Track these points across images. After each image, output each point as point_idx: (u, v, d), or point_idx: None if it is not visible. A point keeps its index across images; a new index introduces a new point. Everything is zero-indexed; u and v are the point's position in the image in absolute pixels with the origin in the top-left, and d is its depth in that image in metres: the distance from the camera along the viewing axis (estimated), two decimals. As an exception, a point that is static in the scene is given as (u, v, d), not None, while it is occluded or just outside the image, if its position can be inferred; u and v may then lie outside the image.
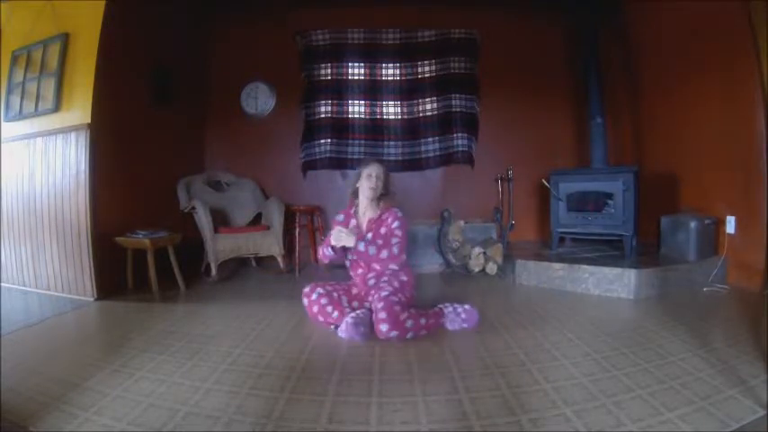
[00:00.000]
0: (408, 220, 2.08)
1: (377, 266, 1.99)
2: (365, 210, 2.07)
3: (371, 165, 2.06)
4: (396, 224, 1.98)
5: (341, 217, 2.11)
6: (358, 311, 1.84)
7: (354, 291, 2.04)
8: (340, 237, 1.87)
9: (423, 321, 1.77)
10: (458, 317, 1.87)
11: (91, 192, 2.46)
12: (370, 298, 1.91)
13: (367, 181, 2.01)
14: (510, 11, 3.72)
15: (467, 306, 1.92)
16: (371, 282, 1.98)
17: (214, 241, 2.90)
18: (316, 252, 3.60)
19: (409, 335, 1.71)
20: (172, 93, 3.29)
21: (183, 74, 3.47)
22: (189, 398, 1.25)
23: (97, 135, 2.50)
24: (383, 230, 1.99)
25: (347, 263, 2.07)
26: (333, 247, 1.92)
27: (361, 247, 1.86)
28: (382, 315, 1.69)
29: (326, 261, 2.00)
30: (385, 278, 1.92)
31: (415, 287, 2.06)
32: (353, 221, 2.07)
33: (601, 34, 3.22)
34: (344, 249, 1.95)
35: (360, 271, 2.03)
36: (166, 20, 3.24)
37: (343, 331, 1.75)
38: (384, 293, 1.78)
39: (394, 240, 1.92)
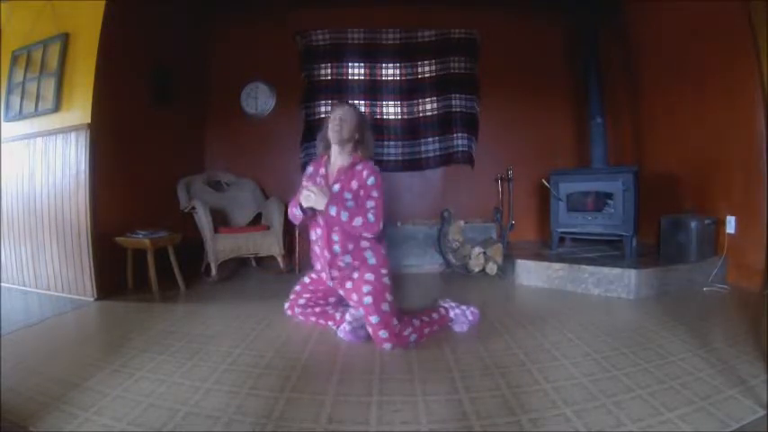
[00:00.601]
0: (385, 183, 1.83)
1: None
2: (335, 159, 1.85)
3: (337, 108, 1.84)
4: (371, 180, 1.74)
5: (310, 169, 1.91)
6: (353, 314, 1.74)
7: (321, 287, 1.92)
8: (309, 197, 1.64)
9: (426, 330, 1.73)
10: (466, 319, 1.85)
11: (91, 192, 2.46)
12: (341, 291, 1.84)
13: (331, 123, 1.80)
14: (510, 11, 3.71)
15: (472, 308, 1.90)
16: (337, 249, 1.76)
17: (214, 241, 2.90)
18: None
19: (411, 346, 1.65)
20: (172, 93, 3.29)
21: (183, 74, 3.47)
22: (189, 398, 1.25)
23: (97, 135, 2.49)
24: (354, 184, 1.75)
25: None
26: (302, 208, 1.69)
27: (333, 211, 1.63)
28: (383, 334, 1.62)
29: (297, 222, 1.81)
30: (356, 267, 1.77)
31: (387, 266, 1.84)
32: (322, 171, 1.85)
33: (601, 34, 3.22)
34: (313, 210, 1.71)
35: (318, 231, 1.79)
36: (166, 20, 3.24)
37: (344, 333, 1.74)
38: (368, 300, 1.66)
39: (369, 204, 1.70)
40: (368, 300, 1.68)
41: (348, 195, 1.73)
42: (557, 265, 2.59)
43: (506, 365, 1.46)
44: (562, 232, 3.03)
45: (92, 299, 2.44)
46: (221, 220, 3.25)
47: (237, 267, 3.39)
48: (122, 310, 2.27)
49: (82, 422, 1.13)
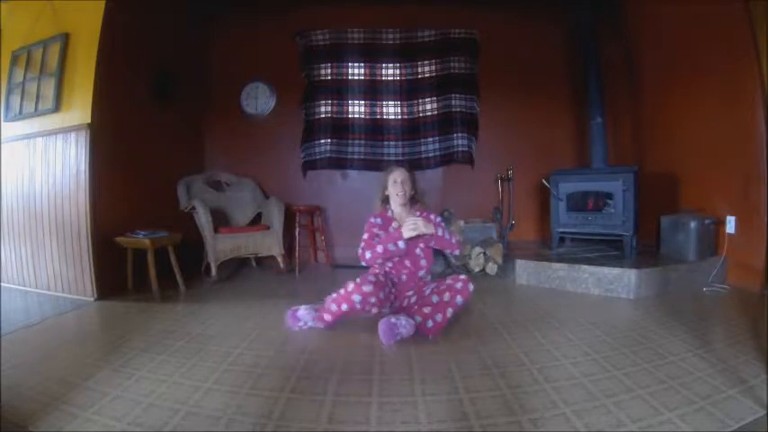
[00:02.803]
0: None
1: (423, 264, 1.99)
2: (400, 216, 2.05)
3: (394, 171, 2.04)
4: (439, 219, 2.04)
5: (378, 220, 2.05)
6: (400, 318, 1.74)
7: (394, 282, 1.97)
8: (417, 225, 1.82)
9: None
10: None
11: (91, 192, 2.46)
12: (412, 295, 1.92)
13: (393, 188, 2.01)
14: (510, 11, 3.71)
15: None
16: (422, 273, 2.00)
17: (214, 241, 2.90)
18: (315, 252, 3.65)
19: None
20: (172, 93, 3.29)
21: (183, 74, 3.47)
22: (189, 398, 1.25)
23: (97, 135, 2.50)
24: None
25: (387, 265, 1.98)
26: (386, 247, 1.86)
27: (440, 231, 1.89)
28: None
29: (373, 263, 1.92)
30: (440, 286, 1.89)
31: None
32: (394, 224, 2.03)
33: (601, 34, 3.22)
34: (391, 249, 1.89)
35: (405, 272, 1.98)
36: (166, 20, 3.24)
37: (382, 331, 1.70)
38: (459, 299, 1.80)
39: (447, 233, 1.96)
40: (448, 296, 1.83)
41: (432, 243, 1.95)
42: (557, 265, 2.59)
43: (506, 365, 1.46)
44: (562, 232, 3.03)
45: (92, 299, 2.44)
46: (221, 220, 3.25)
47: (237, 267, 3.39)
48: (122, 310, 2.27)
49: (82, 422, 1.13)
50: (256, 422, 1.12)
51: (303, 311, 1.90)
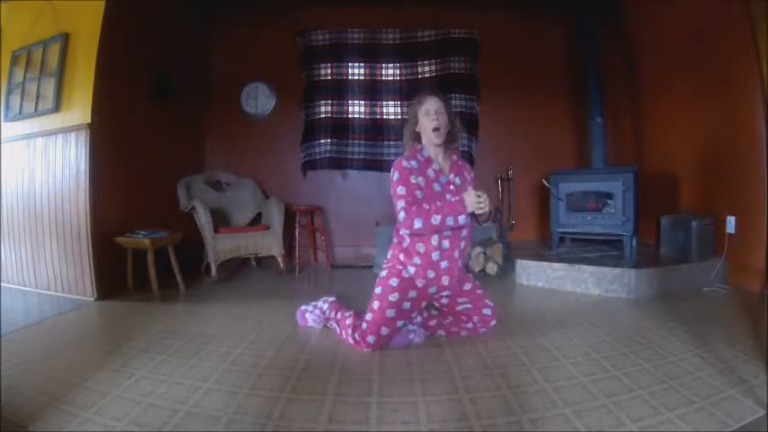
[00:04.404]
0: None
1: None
2: (435, 152, 1.67)
3: (427, 100, 1.64)
4: (471, 174, 1.73)
5: (413, 163, 1.61)
6: (416, 329, 1.70)
7: (417, 304, 1.66)
8: (483, 200, 1.45)
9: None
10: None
11: (91, 192, 2.46)
12: (453, 295, 1.72)
13: (427, 120, 1.61)
14: (510, 11, 3.71)
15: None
16: (457, 254, 1.66)
17: (214, 241, 2.90)
18: (315, 252, 3.65)
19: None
20: (172, 93, 3.29)
21: (183, 74, 3.47)
22: (189, 398, 1.25)
23: (97, 135, 2.49)
24: (467, 177, 1.72)
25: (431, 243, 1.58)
26: (445, 220, 1.48)
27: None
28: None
29: (423, 234, 1.55)
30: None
31: None
32: (434, 165, 1.63)
33: (601, 34, 3.22)
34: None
35: (446, 243, 1.60)
36: (166, 20, 3.24)
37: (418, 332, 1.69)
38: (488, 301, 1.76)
39: None
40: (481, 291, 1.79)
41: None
42: (557, 265, 2.59)
43: (506, 365, 1.46)
44: (562, 232, 3.03)
45: (92, 299, 2.44)
46: (221, 220, 3.25)
47: (237, 267, 3.39)
48: (122, 310, 2.27)
49: (82, 422, 1.13)
50: (256, 422, 1.12)
51: (312, 323, 1.88)
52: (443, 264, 1.62)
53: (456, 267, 1.67)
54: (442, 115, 1.63)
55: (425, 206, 1.54)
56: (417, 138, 1.69)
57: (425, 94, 1.69)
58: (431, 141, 1.64)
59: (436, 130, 1.61)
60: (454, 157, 1.74)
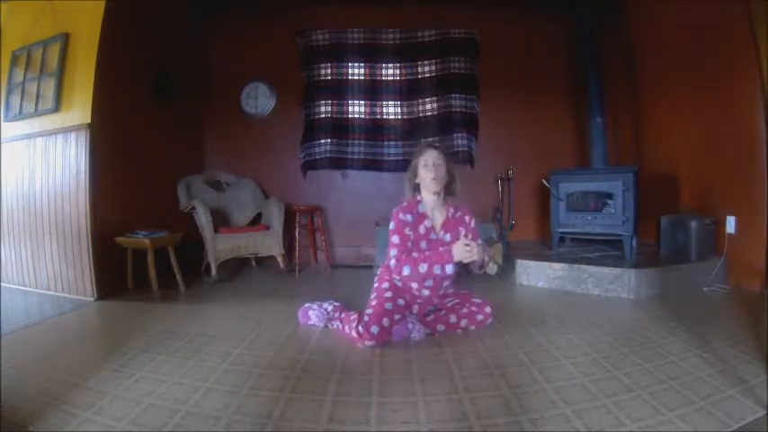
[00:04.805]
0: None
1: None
2: (433, 208, 1.78)
3: (426, 151, 1.72)
4: (473, 222, 1.79)
5: (408, 217, 1.73)
6: (416, 324, 1.75)
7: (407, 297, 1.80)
8: (471, 250, 1.52)
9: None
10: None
11: (91, 192, 2.46)
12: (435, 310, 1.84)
13: (425, 171, 1.70)
14: (510, 10, 3.71)
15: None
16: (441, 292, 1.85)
17: (214, 241, 2.90)
18: (315, 252, 3.65)
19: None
20: (172, 93, 3.29)
21: (183, 74, 3.47)
22: (189, 398, 1.25)
23: (97, 135, 2.49)
24: (461, 231, 1.79)
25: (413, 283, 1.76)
26: (432, 269, 1.60)
27: (480, 244, 1.62)
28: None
29: (409, 281, 1.72)
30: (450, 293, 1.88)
31: None
32: (426, 222, 1.76)
33: (601, 34, 3.22)
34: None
35: (429, 282, 1.76)
36: (166, 20, 3.24)
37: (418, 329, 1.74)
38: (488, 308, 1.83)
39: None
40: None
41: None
42: (557, 265, 2.59)
43: (506, 365, 1.46)
44: (562, 232, 3.03)
45: (92, 299, 2.44)
46: (221, 220, 3.25)
47: (237, 267, 3.39)
48: (122, 310, 2.27)
49: (82, 422, 1.13)
50: (256, 422, 1.12)
51: (315, 319, 1.90)
52: (424, 292, 1.81)
53: (435, 296, 1.85)
54: (441, 167, 1.73)
55: (414, 254, 1.69)
56: (418, 188, 1.80)
57: (425, 147, 1.78)
58: (429, 189, 1.75)
59: (433, 180, 1.71)
60: (452, 210, 1.81)
